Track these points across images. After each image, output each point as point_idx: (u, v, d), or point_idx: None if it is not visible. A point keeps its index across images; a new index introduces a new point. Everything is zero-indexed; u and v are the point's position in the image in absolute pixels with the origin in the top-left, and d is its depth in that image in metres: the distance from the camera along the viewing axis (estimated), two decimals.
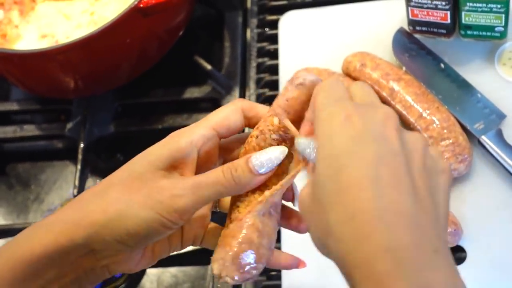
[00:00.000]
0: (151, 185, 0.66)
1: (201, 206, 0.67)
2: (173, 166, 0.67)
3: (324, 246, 0.58)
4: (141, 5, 1.01)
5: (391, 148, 0.56)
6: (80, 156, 1.11)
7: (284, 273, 0.95)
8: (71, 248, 0.65)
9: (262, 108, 0.71)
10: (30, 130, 1.17)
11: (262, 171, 0.67)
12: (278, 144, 0.70)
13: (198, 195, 0.66)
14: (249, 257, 0.68)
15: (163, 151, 0.67)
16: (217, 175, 0.66)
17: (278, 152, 0.68)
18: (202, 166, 0.69)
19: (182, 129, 0.69)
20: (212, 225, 0.74)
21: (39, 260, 0.65)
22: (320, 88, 0.63)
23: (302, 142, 0.65)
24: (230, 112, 0.70)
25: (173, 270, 1.03)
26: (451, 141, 0.94)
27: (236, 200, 0.70)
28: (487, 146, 0.94)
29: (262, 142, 0.70)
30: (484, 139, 0.95)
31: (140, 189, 0.65)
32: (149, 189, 0.65)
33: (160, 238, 0.67)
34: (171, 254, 0.71)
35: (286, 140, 0.70)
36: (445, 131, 0.94)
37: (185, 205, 0.65)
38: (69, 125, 1.14)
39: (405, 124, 0.97)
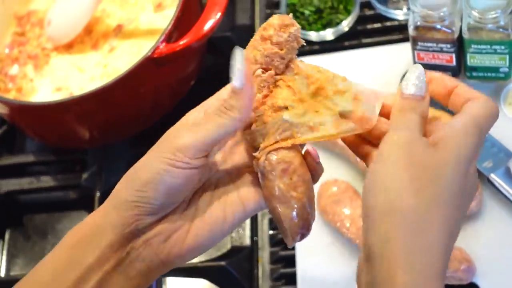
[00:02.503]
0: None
1: (205, 143, 0.67)
2: None
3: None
4: (155, 56, 1.03)
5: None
6: (96, 206, 1.12)
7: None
8: (106, 222, 0.67)
9: None
10: (45, 181, 1.18)
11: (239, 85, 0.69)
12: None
13: (195, 131, 0.67)
14: None
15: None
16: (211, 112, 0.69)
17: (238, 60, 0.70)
18: None
19: None
20: None
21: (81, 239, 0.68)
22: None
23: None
24: None
25: None
26: None
27: None
28: (496, 184, 0.96)
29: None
30: (493, 177, 0.96)
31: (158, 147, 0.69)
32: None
33: (183, 183, 0.67)
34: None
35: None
36: None
37: (184, 142, 0.67)
38: (85, 175, 1.16)
39: None
